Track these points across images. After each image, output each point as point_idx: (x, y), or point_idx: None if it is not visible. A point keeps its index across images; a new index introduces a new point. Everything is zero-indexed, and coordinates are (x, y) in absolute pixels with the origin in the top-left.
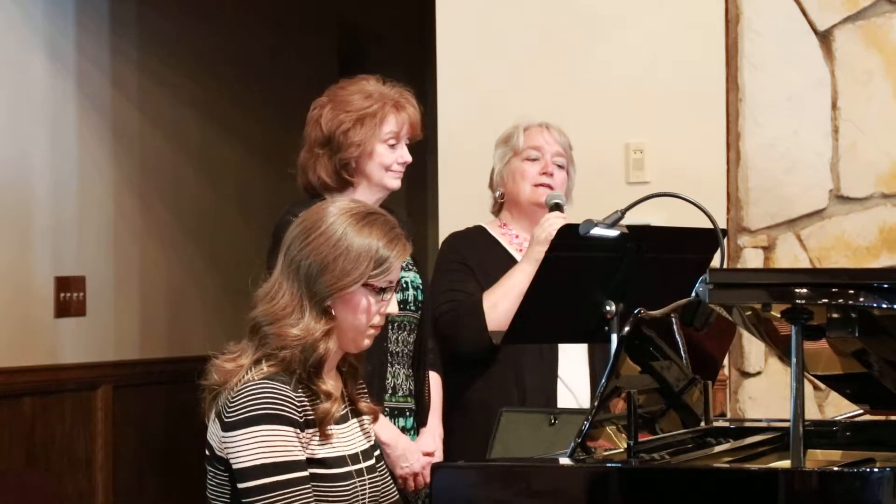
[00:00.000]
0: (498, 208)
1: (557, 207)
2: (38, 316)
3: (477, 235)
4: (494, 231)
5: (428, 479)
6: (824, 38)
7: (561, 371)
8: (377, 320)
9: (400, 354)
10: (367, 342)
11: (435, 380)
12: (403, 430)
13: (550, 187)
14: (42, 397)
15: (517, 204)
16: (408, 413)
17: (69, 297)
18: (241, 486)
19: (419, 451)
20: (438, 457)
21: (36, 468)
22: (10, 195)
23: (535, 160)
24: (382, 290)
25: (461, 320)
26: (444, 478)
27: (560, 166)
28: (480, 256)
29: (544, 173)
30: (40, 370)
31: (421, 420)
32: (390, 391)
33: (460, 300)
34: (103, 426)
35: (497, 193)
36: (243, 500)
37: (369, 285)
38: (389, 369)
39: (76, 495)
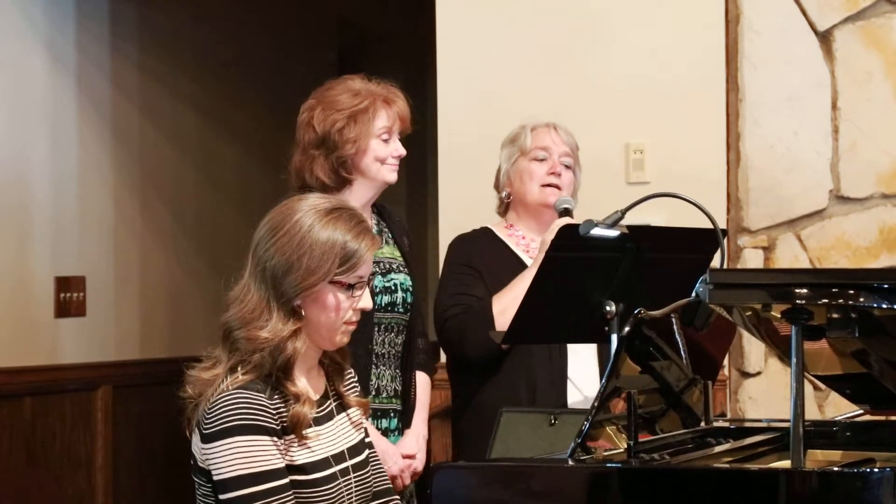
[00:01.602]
0: (504, 209)
1: (567, 213)
2: (38, 316)
3: (483, 237)
4: (501, 232)
5: (407, 482)
6: (824, 38)
7: (570, 371)
8: (350, 316)
9: (386, 356)
10: (342, 339)
11: (423, 380)
12: (387, 430)
13: (558, 187)
14: (42, 397)
15: (524, 204)
16: (392, 414)
17: (69, 297)
18: (222, 497)
19: (398, 453)
20: (420, 458)
21: (36, 468)
22: (9, 195)
23: (542, 160)
24: (352, 286)
25: (470, 325)
26: (445, 478)
27: (567, 167)
28: (487, 259)
29: (552, 173)
30: (40, 370)
31: (406, 421)
32: (374, 392)
33: (469, 304)
34: (103, 426)
35: (503, 194)
36: None
37: (337, 282)
38: (374, 370)
39: (76, 495)
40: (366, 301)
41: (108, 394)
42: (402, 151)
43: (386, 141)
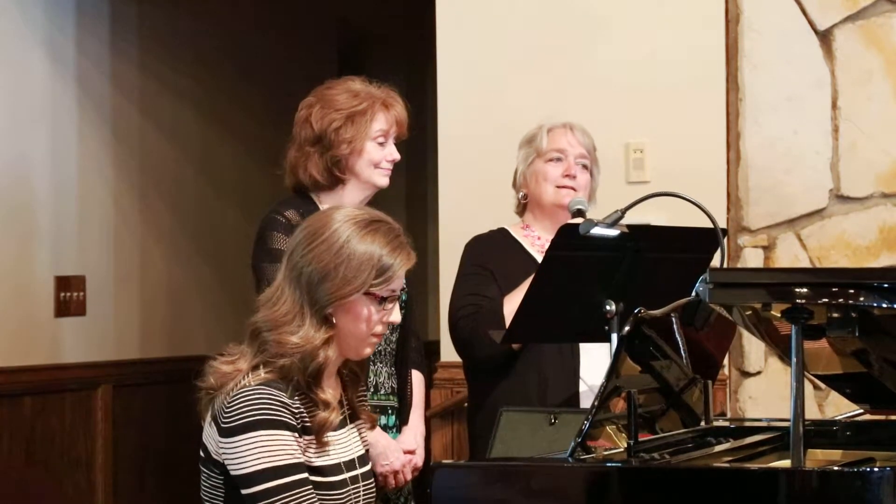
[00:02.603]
0: (521, 209)
1: (580, 213)
2: (38, 316)
3: (499, 238)
4: (517, 233)
5: (408, 477)
6: (824, 37)
7: (583, 371)
8: (379, 329)
9: (382, 353)
10: (368, 350)
11: (418, 378)
12: (385, 427)
13: (573, 189)
14: (42, 397)
15: (540, 205)
16: (389, 411)
17: (69, 296)
18: (244, 491)
19: (400, 449)
20: (420, 454)
21: (36, 468)
22: (10, 195)
23: (558, 161)
24: (384, 300)
25: (480, 326)
26: (445, 477)
27: (584, 167)
28: (501, 260)
29: (567, 175)
30: (40, 370)
31: (403, 418)
32: (372, 389)
33: (480, 305)
34: (103, 426)
35: (520, 195)
36: None
37: (371, 294)
38: (371, 367)
39: (76, 495)
40: (395, 315)
41: (107, 393)
42: (397, 156)
43: (381, 144)
